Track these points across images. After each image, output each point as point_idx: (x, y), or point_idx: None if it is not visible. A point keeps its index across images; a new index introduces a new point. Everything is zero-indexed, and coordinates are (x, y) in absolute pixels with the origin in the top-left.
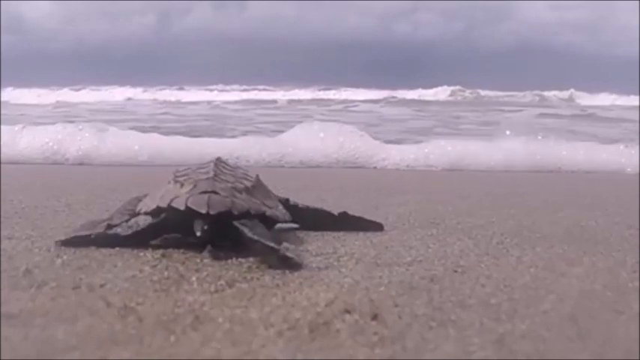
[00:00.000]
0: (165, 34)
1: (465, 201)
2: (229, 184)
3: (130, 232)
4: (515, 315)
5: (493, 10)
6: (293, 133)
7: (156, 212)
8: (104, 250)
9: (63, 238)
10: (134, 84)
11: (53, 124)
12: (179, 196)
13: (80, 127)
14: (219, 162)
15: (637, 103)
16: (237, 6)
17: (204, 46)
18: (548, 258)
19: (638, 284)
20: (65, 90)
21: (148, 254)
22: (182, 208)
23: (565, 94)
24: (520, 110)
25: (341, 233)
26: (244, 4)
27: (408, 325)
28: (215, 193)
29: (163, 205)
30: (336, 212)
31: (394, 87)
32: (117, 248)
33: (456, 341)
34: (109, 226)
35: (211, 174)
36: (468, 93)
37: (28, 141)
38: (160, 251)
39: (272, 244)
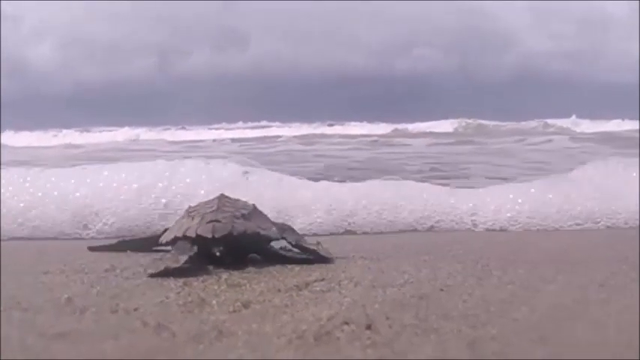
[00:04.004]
0: (167, 76)
1: None
2: (229, 214)
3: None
4: (488, 323)
5: (490, 42)
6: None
7: (174, 241)
8: (132, 281)
9: (153, 272)
10: (136, 124)
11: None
12: (191, 227)
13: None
14: (222, 197)
15: None
16: (238, 46)
17: (205, 86)
18: (526, 277)
19: (603, 297)
20: (69, 132)
21: (172, 283)
22: (193, 235)
23: (567, 121)
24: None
25: (344, 260)
26: (245, 44)
27: (397, 333)
28: (218, 221)
29: (180, 235)
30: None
31: (397, 121)
32: (144, 279)
33: (435, 344)
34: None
35: (215, 207)
36: (473, 123)
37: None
38: (182, 280)
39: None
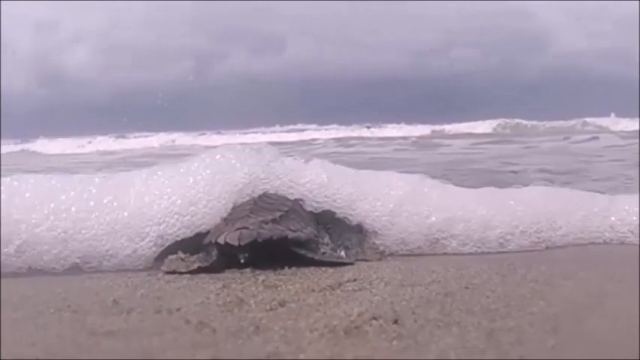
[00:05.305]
0: (203, 80)
1: None
2: (260, 219)
3: (209, 262)
4: (507, 316)
5: (525, 42)
6: None
7: (208, 244)
8: (174, 284)
9: (165, 269)
10: (172, 130)
11: None
12: (222, 233)
13: None
14: (259, 199)
15: None
16: (274, 49)
17: (241, 90)
18: (549, 274)
19: (619, 291)
20: (104, 138)
21: (211, 285)
22: (222, 242)
23: (606, 120)
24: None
25: (374, 263)
26: (281, 47)
27: (421, 326)
28: (245, 228)
29: (213, 240)
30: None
31: (435, 122)
32: (184, 282)
33: (456, 335)
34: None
35: (247, 212)
36: (511, 122)
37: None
38: (221, 282)
39: (324, 259)
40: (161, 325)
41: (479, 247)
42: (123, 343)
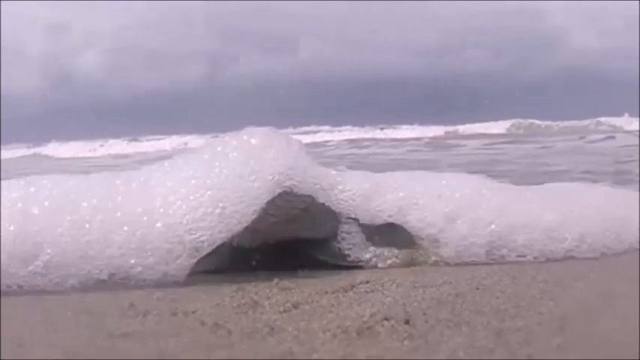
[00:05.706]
0: (215, 81)
1: None
2: (273, 219)
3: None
4: (516, 316)
5: (540, 42)
6: None
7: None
8: (189, 287)
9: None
10: (185, 132)
11: None
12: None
13: None
14: (276, 199)
15: None
16: (287, 51)
17: (253, 91)
18: (559, 275)
19: (629, 292)
20: (117, 141)
21: (226, 288)
22: (235, 244)
23: (619, 119)
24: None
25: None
26: (294, 48)
27: (431, 326)
28: (257, 229)
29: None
30: None
31: (448, 123)
32: (199, 285)
33: (466, 335)
34: None
35: (260, 212)
36: (524, 123)
37: None
38: (236, 285)
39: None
40: (177, 327)
41: None
42: (139, 345)
